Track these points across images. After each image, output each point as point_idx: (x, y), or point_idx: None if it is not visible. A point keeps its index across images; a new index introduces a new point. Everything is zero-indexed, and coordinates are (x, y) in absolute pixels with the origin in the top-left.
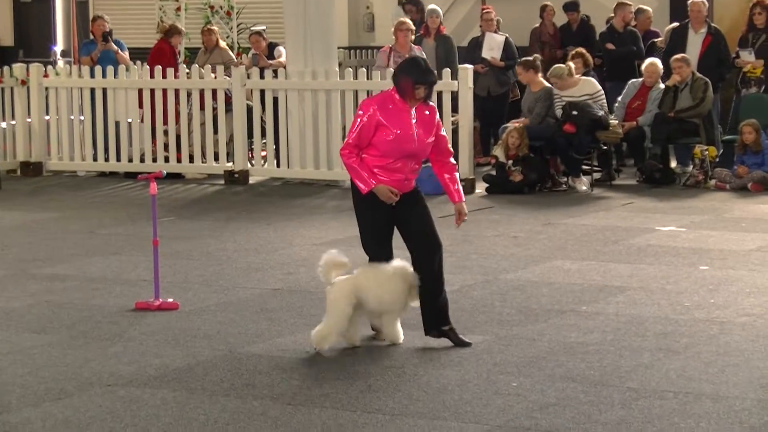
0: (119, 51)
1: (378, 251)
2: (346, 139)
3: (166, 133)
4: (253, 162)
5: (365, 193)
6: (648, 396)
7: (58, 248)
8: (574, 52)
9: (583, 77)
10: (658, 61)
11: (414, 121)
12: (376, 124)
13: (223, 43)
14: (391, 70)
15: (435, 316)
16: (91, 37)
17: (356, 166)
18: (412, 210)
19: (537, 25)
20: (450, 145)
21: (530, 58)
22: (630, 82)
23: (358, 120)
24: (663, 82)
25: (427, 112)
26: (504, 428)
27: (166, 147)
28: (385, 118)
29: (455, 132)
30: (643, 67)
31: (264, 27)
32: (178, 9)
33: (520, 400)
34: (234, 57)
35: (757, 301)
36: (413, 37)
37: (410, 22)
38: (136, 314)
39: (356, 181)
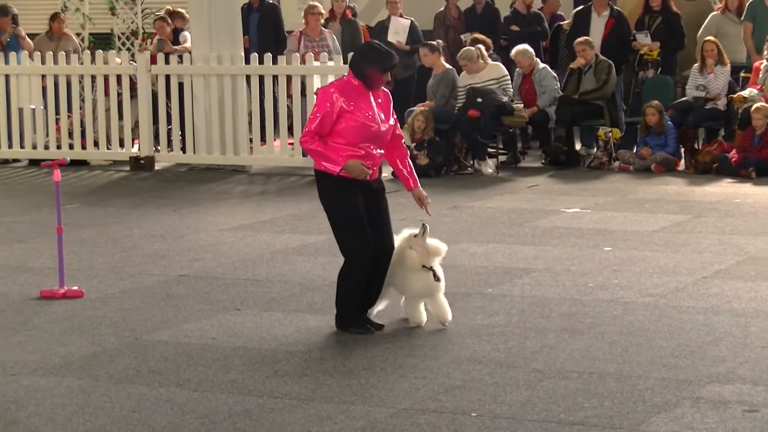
0: (25, 37)
1: (362, 244)
2: (305, 128)
3: (70, 120)
4: (159, 148)
5: (337, 175)
6: (552, 376)
7: None
8: (472, 38)
9: (491, 62)
10: (523, 48)
11: (375, 105)
12: (339, 112)
13: (67, 30)
14: (297, 55)
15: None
16: None
17: (320, 149)
18: (379, 203)
19: (441, 9)
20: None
21: (434, 41)
22: (515, 71)
23: (322, 108)
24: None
25: (381, 97)
26: (410, 411)
27: (70, 134)
28: (348, 105)
29: None
30: (512, 55)
31: (169, 9)
32: None
33: (426, 383)
34: (81, 46)
35: (660, 282)
36: (323, 20)
37: (320, 6)
38: (40, 302)
39: (324, 163)
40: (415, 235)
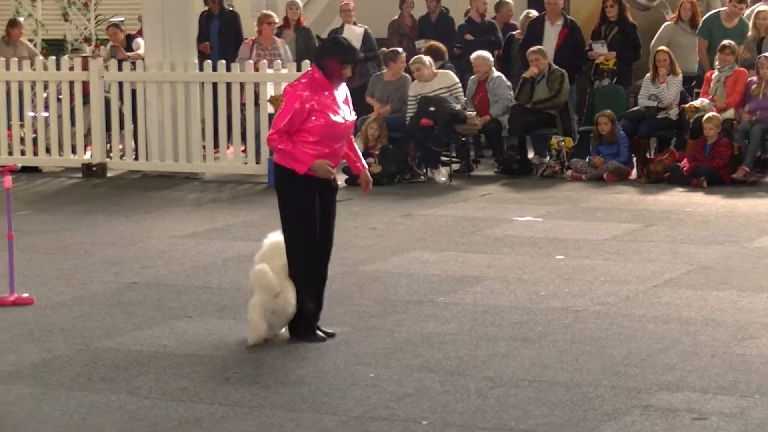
0: None
1: (310, 242)
2: (273, 127)
3: (22, 127)
4: (112, 155)
5: (302, 174)
6: (503, 385)
7: None
8: (427, 45)
9: (441, 70)
10: (483, 53)
11: (340, 101)
12: (310, 110)
13: (23, 38)
14: (251, 62)
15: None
16: None
17: (289, 148)
18: (330, 203)
19: (395, 17)
20: None
21: (389, 50)
22: (470, 79)
23: (291, 107)
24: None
25: (343, 92)
26: (361, 419)
27: (22, 140)
28: (318, 103)
29: None
30: (471, 58)
31: (122, 18)
32: (34, 1)
33: (377, 391)
34: (37, 52)
35: (611, 290)
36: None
37: (275, 15)
38: None
39: (290, 164)
40: None
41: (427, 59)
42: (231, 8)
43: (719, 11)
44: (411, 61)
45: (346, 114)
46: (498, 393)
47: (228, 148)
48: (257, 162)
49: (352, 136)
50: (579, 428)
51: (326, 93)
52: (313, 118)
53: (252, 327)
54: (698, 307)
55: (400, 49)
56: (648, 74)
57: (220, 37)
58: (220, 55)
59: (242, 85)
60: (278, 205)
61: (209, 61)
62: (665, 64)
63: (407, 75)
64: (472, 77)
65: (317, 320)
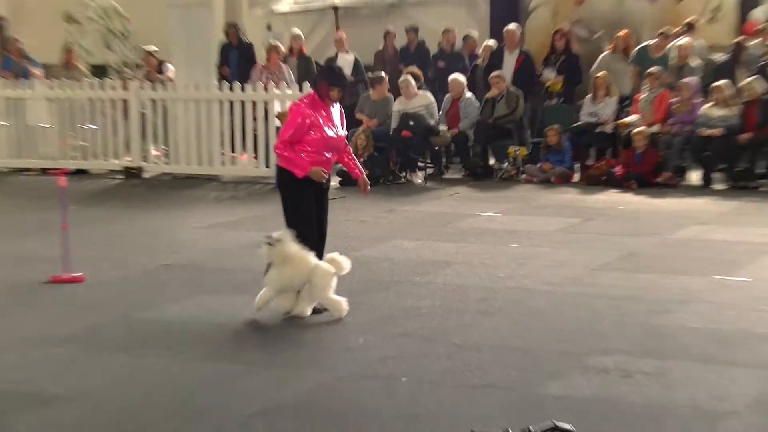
0: (34, 67)
1: (309, 231)
2: (279, 137)
3: (74, 136)
4: (147, 160)
5: (301, 177)
6: (468, 349)
7: None
8: (407, 71)
9: (420, 91)
10: (458, 77)
11: (335, 119)
12: (310, 125)
13: (77, 62)
14: (261, 84)
15: None
16: (8, 55)
17: (291, 156)
18: (323, 199)
19: (380, 48)
20: None
21: (375, 74)
22: (446, 97)
23: (294, 122)
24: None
25: (338, 111)
26: (352, 376)
27: (74, 147)
28: (316, 120)
29: None
30: (449, 80)
31: (155, 48)
32: (82, 32)
33: (365, 354)
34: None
35: (557, 273)
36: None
37: (281, 46)
38: (50, 285)
39: (292, 168)
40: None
41: (412, 80)
42: (247, 41)
43: (648, 43)
44: (400, 80)
45: (338, 129)
46: (463, 356)
47: (242, 154)
48: (267, 166)
49: (349, 147)
50: (530, 385)
51: (323, 111)
52: (312, 132)
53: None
54: (626, 287)
55: (383, 74)
56: (589, 95)
57: (238, 63)
58: (239, 78)
59: (254, 103)
60: (281, 201)
61: (227, 83)
62: (603, 86)
63: (390, 95)
64: (447, 95)
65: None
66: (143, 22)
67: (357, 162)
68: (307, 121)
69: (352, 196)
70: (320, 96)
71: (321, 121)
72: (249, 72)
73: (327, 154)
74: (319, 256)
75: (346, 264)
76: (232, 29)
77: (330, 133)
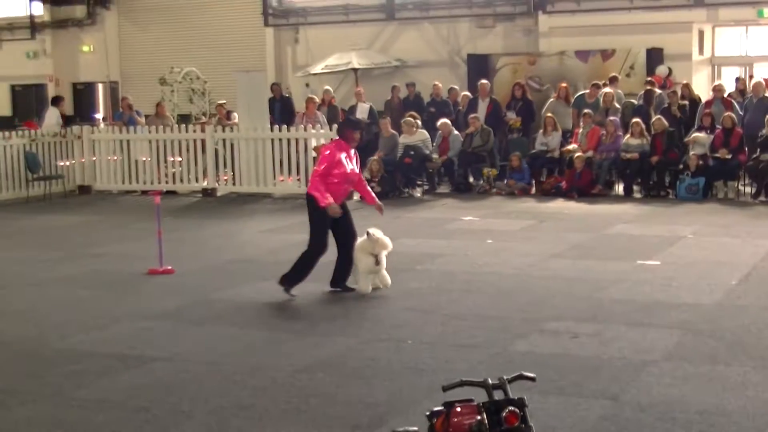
0: (138, 117)
1: (323, 246)
2: (315, 172)
3: (166, 166)
4: (219, 182)
5: (323, 207)
6: (456, 318)
7: (99, 238)
8: (408, 115)
9: (419, 129)
10: (446, 121)
11: (353, 159)
12: (337, 163)
13: (167, 112)
14: (302, 126)
15: (343, 275)
16: (120, 109)
17: (322, 188)
18: (347, 216)
19: (389, 98)
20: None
21: (385, 118)
22: (437, 133)
23: (328, 158)
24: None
25: (353, 153)
26: (371, 340)
27: (166, 174)
28: (341, 159)
29: None
30: (438, 124)
31: (224, 101)
32: (172, 91)
33: (379, 323)
34: (173, 122)
35: (520, 261)
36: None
37: (316, 97)
38: (148, 276)
39: (320, 199)
40: (368, 236)
41: (413, 121)
42: (288, 95)
43: (584, 93)
44: (403, 121)
45: (354, 167)
46: (453, 324)
47: (290, 177)
48: (306, 185)
49: (364, 180)
50: (502, 343)
51: (345, 153)
52: (337, 168)
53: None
54: (572, 270)
55: (389, 119)
56: (540, 130)
57: (281, 112)
58: (280, 123)
59: (296, 140)
60: (308, 217)
61: (276, 126)
62: (550, 124)
63: (395, 132)
64: (439, 133)
65: (298, 282)
66: (217, 83)
67: (370, 190)
68: (336, 159)
69: (367, 208)
70: (346, 139)
71: (344, 160)
72: (288, 118)
73: (346, 185)
74: (350, 256)
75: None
76: (276, 87)
77: (349, 169)
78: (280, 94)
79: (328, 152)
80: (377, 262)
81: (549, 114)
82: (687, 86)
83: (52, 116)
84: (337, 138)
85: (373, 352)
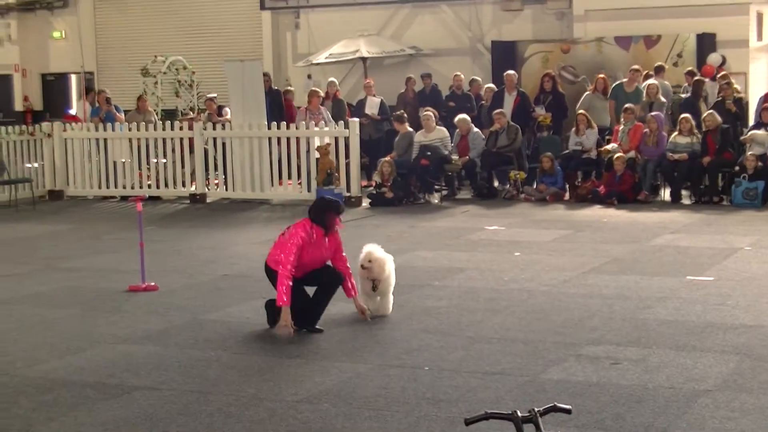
0: (117, 113)
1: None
2: (287, 264)
3: (149, 169)
4: (209, 187)
5: (277, 305)
6: (480, 342)
7: (73, 249)
8: (424, 111)
9: (438, 126)
10: (463, 117)
11: (326, 245)
12: (301, 250)
13: (150, 107)
14: (304, 123)
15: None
16: (96, 104)
17: (286, 283)
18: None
19: (402, 91)
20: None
21: (400, 113)
22: (456, 131)
23: (296, 243)
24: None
25: (331, 239)
26: (382, 366)
27: (148, 177)
28: (307, 246)
29: (347, 165)
30: (455, 121)
31: (215, 95)
32: (156, 83)
33: (393, 347)
34: (157, 118)
35: (553, 276)
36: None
37: (320, 91)
38: (128, 294)
39: (277, 290)
40: (361, 267)
41: (433, 116)
42: (278, 88)
43: (622, 81)
44: (422, 115)
45: (324, 255)
46: (476, 347)
47: (288, 181)
48: (308, 190)
49: (350, 272)
50: (532, 371)
51: (317, 239)
52: (301, 254)
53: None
54: (613, 287)
55: (404, 115)
56: (573, 129)
57: (269, 107)
58: (270, 118)
59: (297, 139)
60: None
61: (275, 122)
62: (583, 122)
63: (411, 130)
64: (457, 131)
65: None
66: (206, 74)
67: (354, 285)
68: (301, 245)
69: (379, 215)
70: (329, 228)
71: (311, 248)
72: (278, 114)
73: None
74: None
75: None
76: (265, 79)
77: (317, 259)
78: (269, 86)
79: (295, 241)
80: (374, 287)
81: (581, 111)
82: (725, 77)
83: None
84: (309, 220)
85: (385, 380)
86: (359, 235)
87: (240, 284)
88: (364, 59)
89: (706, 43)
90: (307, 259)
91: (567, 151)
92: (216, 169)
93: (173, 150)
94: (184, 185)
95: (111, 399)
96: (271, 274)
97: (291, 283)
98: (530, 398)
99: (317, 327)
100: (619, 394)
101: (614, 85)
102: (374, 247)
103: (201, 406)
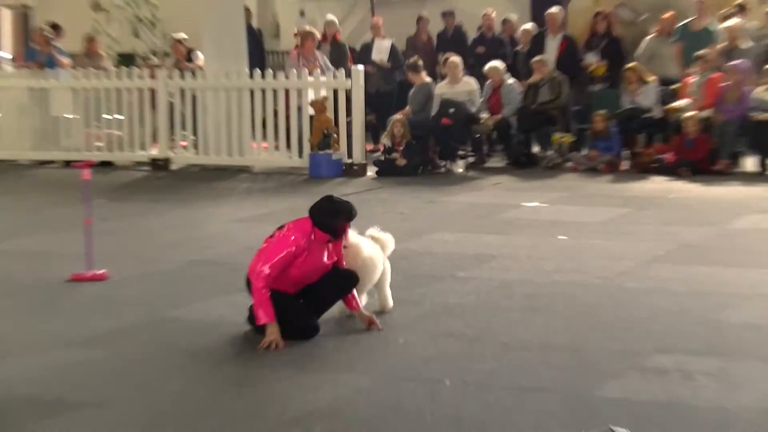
0: (59, 57)
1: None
2: (262, 269)
3: (99, 127)
4: (175, 151)
5: (258, 324)
6: (516, 349)
7: (1, 227)
8: (445, 58)
9: (466, 77)
10: (495, 64)
11: (325, 257)
12: (291, 261)
13: (101, 50)
14: (295, 72)
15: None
16: (34, 45)
17: (262, 299)
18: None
19: (413, 34)
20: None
21: (412, 60)
22: (486, 83)
23: (282, 252)
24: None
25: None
26: (391, 379)
27: (98, 138)
28: (303, 256)
29: (349, 124)
30: (484, 70)
31: (184, 35)
32: (109, 20)
33: (405, 355)
34: (111, 64)
35: (608, 266)
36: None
37: (317, 32)
38: (71, 284)
39: (255, 309)
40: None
41: (461, 63)
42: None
43: (688, 21)
44: (448, 61)
45: (326, 265)
46: (511, 357)
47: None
48: (300, 156)
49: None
50: (583, 388)
51: (316, 247)
52: (291, 266)
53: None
54: (683, 281)
55: (420, 61)
56: (624, 85)
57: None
58: (250, 65)
59: (287, 91)
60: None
61: (258, 70)
62: (634, 78)
63: (429, 80)
64: (488, 83)
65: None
66: (172, 9)
67: (354, 295)
68: (293, 255)
69: (389, 187)
70: (336, 236)
71: (309, 257)
72: (255, 57)
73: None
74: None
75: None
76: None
77: (314, 270)
78: (248, 24)
79: (290, 239)
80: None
81: (631, 66)
82: None
83: None
84: (309, 221)
85: (394, 396)
86: (364, 213)
87: (212, 274)
88: None
89: None
90: (301, 272)
91: (626, 109)
92: (184, 128)
93: (131, 104)
94: (143, 148)
95: (47, 419)
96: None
97: (268, 294)
98: (579, 422)
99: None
100: (692, 417)
101: (679, 25)
102: (372, 231)
103: (161, 429)
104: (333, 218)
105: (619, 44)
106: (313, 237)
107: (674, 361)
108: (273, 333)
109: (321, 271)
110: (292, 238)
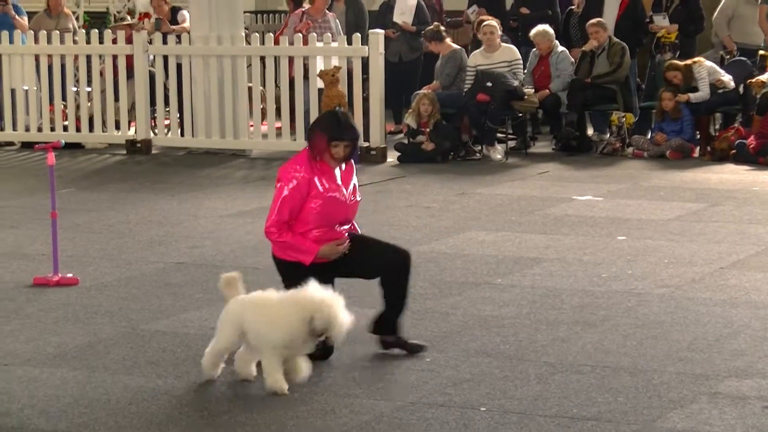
0: (16, 16)
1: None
2: (267, 218)
3: (65, 103)
4: (156, 131)
5: (310, 264)
6: (565, 370)
7: None
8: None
9: (505, 44)
10: (545, 27)
11: (340, 182)
12: (304, 195)
13: (67, 9)
14: (300, 36)
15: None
16: None
17: (290, 240)
18: (357, 250)
19: None
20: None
21: (432, 27)
22: (531, 52)
23: (280, 192)
24: (568, 47)
25: (345, 168)
26: (417, 405)
27: (65, 115)
28: (311, 185)
29: (366, 100)
30: (531, 35)
31: None
32: None
33: (433, 376)
34: (77, 26)
35: (676, 272)
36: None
37: None
38: (33, 290)
39: (296, 256)
40: None
41: (498, 27)
42: None
43: None
44: (483, 25)
45: (348, 195)
46: (559, 379)
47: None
48: (306, 138)
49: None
50: (644, 416)
51: (322, 173)
52: (307, 202)
53: None
54: (765, 291)
55: (443, 28)
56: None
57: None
58: None
59: (291, 59)
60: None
61: (257, 34)
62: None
63: (458, 48)
64: (534, 50)
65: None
66: None
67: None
68: (300, 189)
69: (413, 176)
70: (318, 155)
71: (318, 186)
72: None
73: (336, 230)
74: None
75: None
76: None
77: (333, 201)
78: None
79: (280, 183)
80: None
81: (672, 62)
82: None
83: None
84: (304, 151)
85: (421, 424)
86: (383, 206)
87: (201, 277)
88: None
89: None
90: (322, 202)
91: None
92: (167, 104)
93: (102, 74)
94: (118, 127)
95: None
96: (282, 266)
97: (290, 235)
98: None
99: (414, 341)
100: None
101: None
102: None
103: None
104: (315, 130)
105: (694, 4)
106: (313, 168)
107: (754, 386)
108: (328, 251)
109: (343, 203)
110: (291, 176)
